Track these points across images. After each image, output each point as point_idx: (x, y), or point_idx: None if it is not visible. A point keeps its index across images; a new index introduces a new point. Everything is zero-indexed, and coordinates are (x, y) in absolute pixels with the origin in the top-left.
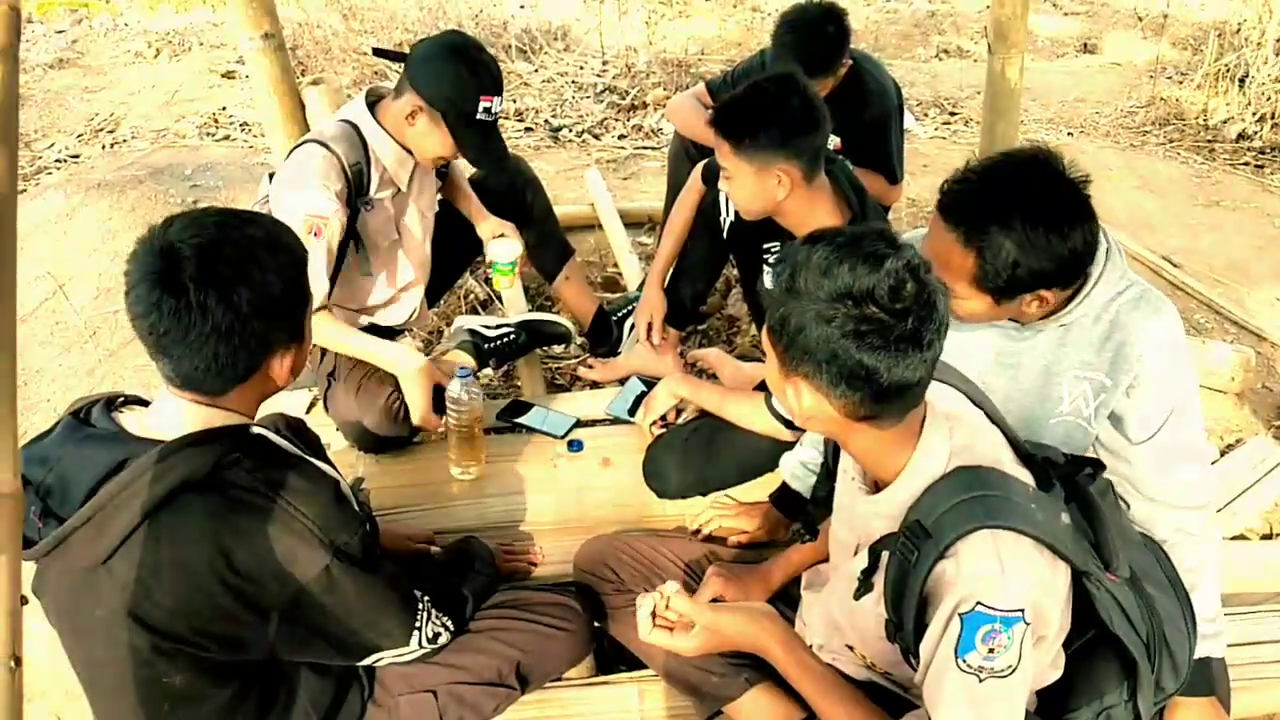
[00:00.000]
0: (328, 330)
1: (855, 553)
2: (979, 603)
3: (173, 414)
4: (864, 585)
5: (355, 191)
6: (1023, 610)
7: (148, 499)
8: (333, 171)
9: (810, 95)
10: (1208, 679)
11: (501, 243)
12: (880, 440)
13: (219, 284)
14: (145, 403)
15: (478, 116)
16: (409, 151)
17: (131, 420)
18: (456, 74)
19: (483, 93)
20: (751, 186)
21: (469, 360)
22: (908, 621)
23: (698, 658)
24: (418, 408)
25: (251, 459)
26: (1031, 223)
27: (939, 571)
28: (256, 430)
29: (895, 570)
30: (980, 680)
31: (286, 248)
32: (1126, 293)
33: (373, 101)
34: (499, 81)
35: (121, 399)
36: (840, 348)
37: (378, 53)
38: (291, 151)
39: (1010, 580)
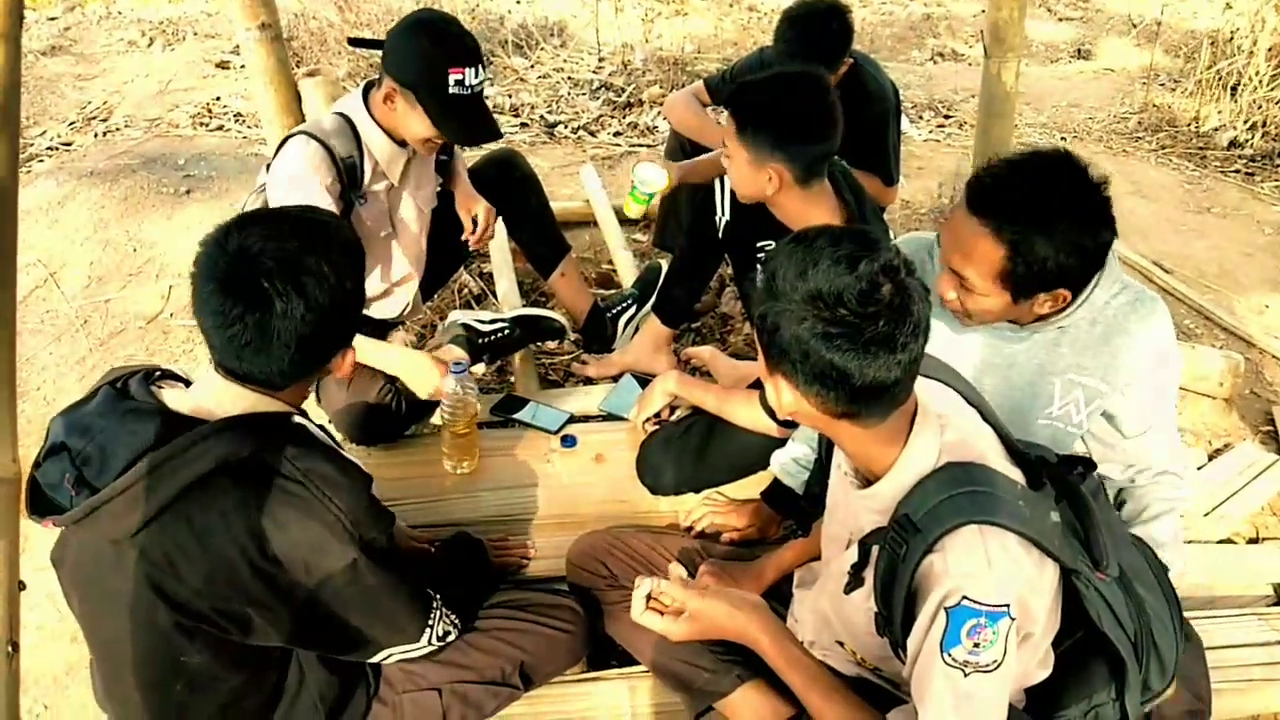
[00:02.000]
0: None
1: (847, 547)
2: (965, 597)
3: (219, 395)
4: (854, 579)
5: (348, 185)
6: (1008, 605)
7: (185, 477)
8: (324, 165)
9: (827, 105)
10: None
11: (651, 167)
12: (866, 436)
13: (304, 294)
14: (179, 378)
15: (450, 90)
16: (400, 144)
17: (173, 397)
18: (421, 48)
19: (451, 65)
20: (744, 173)
21: (463, 355)
22: (896, 615)
23: (689, 654)
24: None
25: (292, 447)
26: (1068, 219)
27: (926, 565)
28: (298, 419)
29: (884, 564)
30: (965, 674)
31: (353, 247)
32: (1121, 295)
33: (368, 93)
34: (471, 52)
35: (158, 373)
36: (812, 349)
37: (353, 42)
38: (282, 144)
39: (996, 575)
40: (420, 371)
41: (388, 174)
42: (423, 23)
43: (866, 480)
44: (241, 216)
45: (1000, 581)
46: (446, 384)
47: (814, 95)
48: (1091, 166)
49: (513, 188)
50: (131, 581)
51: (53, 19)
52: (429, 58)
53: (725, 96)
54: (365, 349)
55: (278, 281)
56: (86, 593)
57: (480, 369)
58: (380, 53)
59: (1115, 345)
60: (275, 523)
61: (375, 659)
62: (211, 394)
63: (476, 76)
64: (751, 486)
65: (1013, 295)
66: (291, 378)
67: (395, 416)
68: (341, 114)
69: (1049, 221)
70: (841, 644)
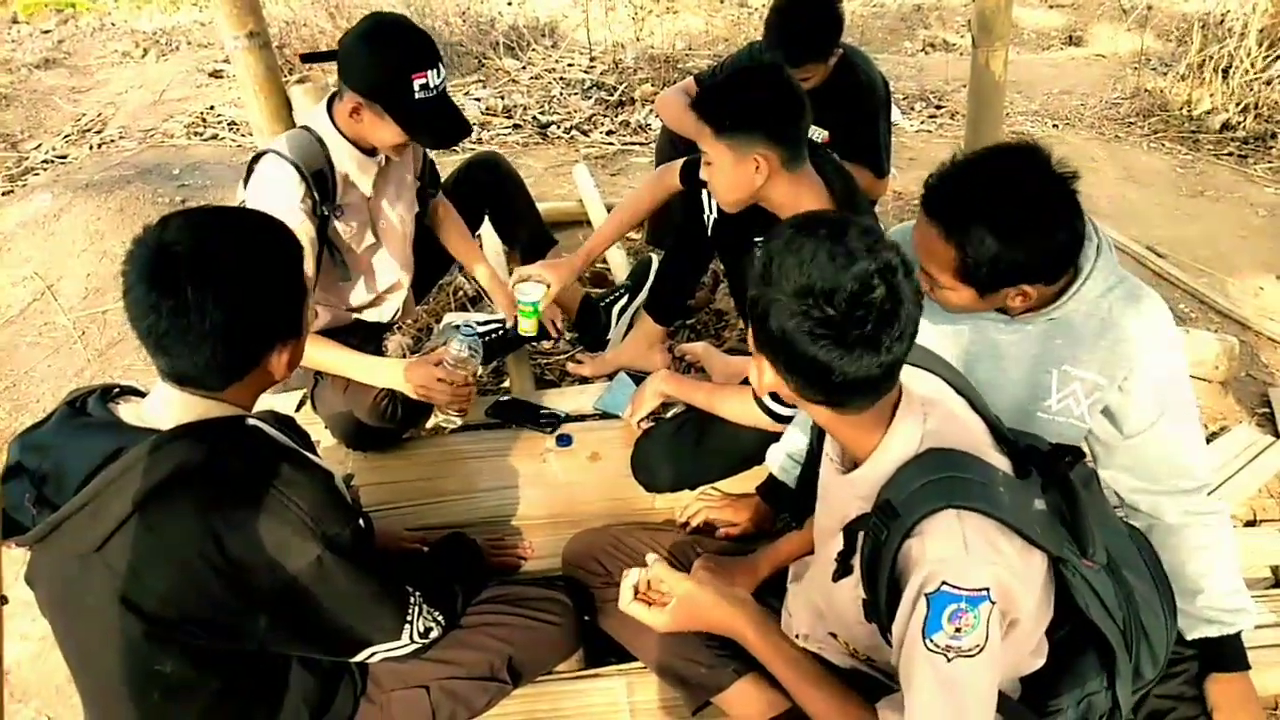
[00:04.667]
0: (309, 352)
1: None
2: (944, 582)
3: (169, 404)
4: (842, 567)
5: (321, 199)
6: (988, 589)
7: (142, 487)
8: (292, 182)
9: (791, 84)
10: (1241, 653)
11: (527, 284)
12: (846, 422)
13: (214, 283)
14: (140, 394)
15: (416, 96)
16: (368, 153)
17: (128, 410)
18: (379, 59)
19: (412, 70)
20: (730, 173)
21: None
22: (882, 600)
23: (686, 649)
24: (440, 401)
25: (246, 449)
26: (1011, 218)
27: (906, 550)
28: (252, 422)
29: (869, 550)
30: (948, 660)
31: (282, 242)
32: (1117, 289)
33: (332, 105)
34: (429, 53)
35: (117, 390)
36: (796, 340)
37: (306, 58)
38: (251, 164)
39: (974, 560)
40: (397, 380)
41: (358, 185)
42: (376, 30)
43: (852, 466)
44: (166, 215)
45: (978, 566)
46: (452, 346)
47: (781, 78)
48: (1060, 162)
49: (498, 188)
50: (100, 595)
51: (46, 32)
52: (388, 66)
53: (693, 102)
54: (339, 364)
55: (188, 270)
56: (59, 609)
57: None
58: (335, 65)
59: (1110, 339)
60: (234, 525)
61: (359, 658)
62: (160, 404)
63: (439, 77)
64: (747, 481)
65: (977, 290)
66: (224, 375)
67: (391, 421)
68: (306, 128)
69: (995, 220)
70: (834, 635)
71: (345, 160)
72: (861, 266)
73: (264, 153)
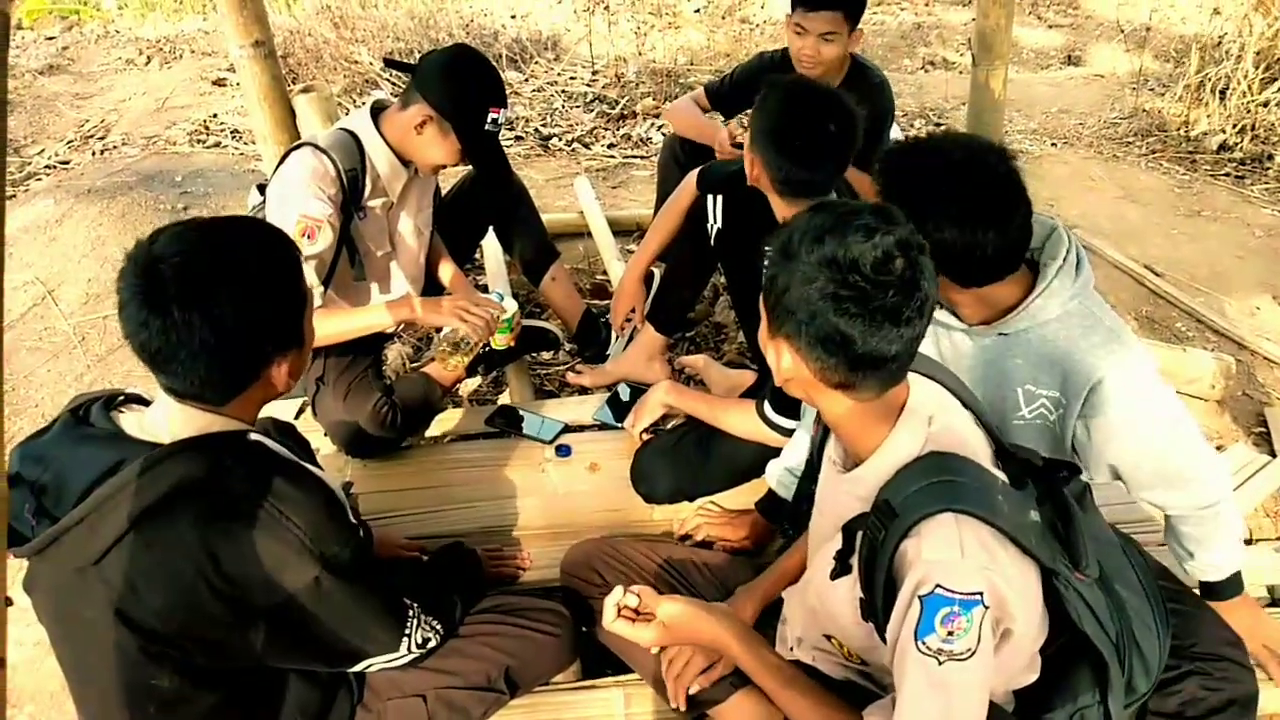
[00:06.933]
0: (323, 330)
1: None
2: (938, 585)
3: (171, 417)
4: (841, 566)
5: (349, 198)
6: (981, 594)
7: (141, 502)
8: (327, 176)
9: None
10: (1232, 583)
11: (504, 300)
12: (856, 412)
13: (201, 301)
14: (145, 401)
15: (485, 127)
16: (405, 164)
17: (130, 421)
18: (468, 86)
19: (492, 104)
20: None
21: (460, 365)
22: (878, 600)
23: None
24: (474, 320)
25: (247, 466)
26: (918, 200)
27: (902, 550)
28: (254, 436)
29: (866, 549)
30: (939, 663)
31: (276, 253)
32: (1075, 320)
33: (376, 112)
34: (504, 95)
35: (121, 397)
36: (819, 310)
37: (389, 63)
38: (286, 155)
39: (969, 564)
40: (425, 311)
41: (388, 190)
42: (471, 61)
43: (854, 466)
44: (158, 229)
45: (972, 570)
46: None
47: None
48: (1003, 178)
49: (503, 196)
50: (96, 608)
51: (50, 38)
52: (475, 96)
53: None
54: (355, 325)
55: (173, 287)
56: (56, 620)
57: (475, 381)
58: (408, 74)
59: (1066, 369)
60: (232, 543)
61: (356, 669)
62: (162, 417)
63: (504, 117)
64: (746, 495)
65: None
66: (220, 390)
67: (391, 429)
68: (346, 129)
69: (907, 200)
70: (829, 638)
71: (382, 163)
72: (881, 239)
73: (301, 145)
